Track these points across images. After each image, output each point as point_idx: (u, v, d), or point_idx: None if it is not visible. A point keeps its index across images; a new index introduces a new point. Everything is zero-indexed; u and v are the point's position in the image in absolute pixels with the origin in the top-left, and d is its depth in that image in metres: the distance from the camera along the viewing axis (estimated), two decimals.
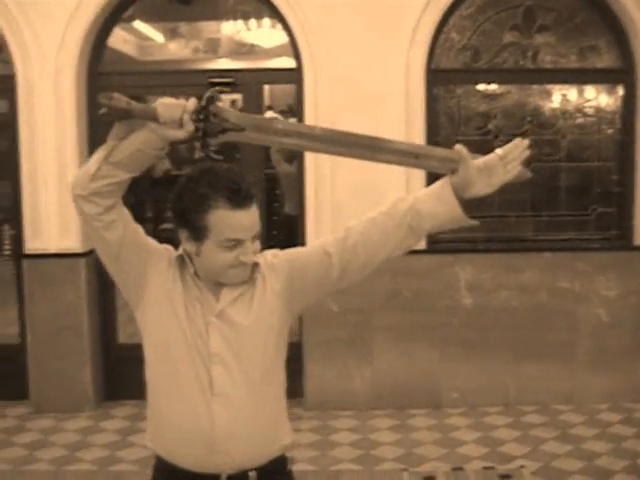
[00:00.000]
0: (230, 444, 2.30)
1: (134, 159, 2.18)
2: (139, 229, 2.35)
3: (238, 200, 2.20)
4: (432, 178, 5.84)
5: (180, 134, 2.13)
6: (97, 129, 6.03)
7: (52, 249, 5.88)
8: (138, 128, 2.15)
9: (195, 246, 2.25)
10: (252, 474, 2.35)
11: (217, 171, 2.25)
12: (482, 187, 2.28)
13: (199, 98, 2.16)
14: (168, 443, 2.37)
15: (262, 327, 2.34)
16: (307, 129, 2.37)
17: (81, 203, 2.20)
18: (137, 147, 2.15)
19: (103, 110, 2.10)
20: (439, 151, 2.35)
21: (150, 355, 2.38)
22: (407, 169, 5.70)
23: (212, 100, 2.18)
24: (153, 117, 2.12)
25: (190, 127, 2.13)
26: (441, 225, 2.36)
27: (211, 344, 2.29)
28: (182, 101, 2.14)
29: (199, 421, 2.29)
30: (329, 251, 2.36)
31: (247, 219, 2.23)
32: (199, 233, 2.22)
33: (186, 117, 2.12)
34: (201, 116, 2.16)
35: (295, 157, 6.05)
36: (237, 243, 2.22)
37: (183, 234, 2.27)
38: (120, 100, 2.10)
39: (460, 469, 4.99)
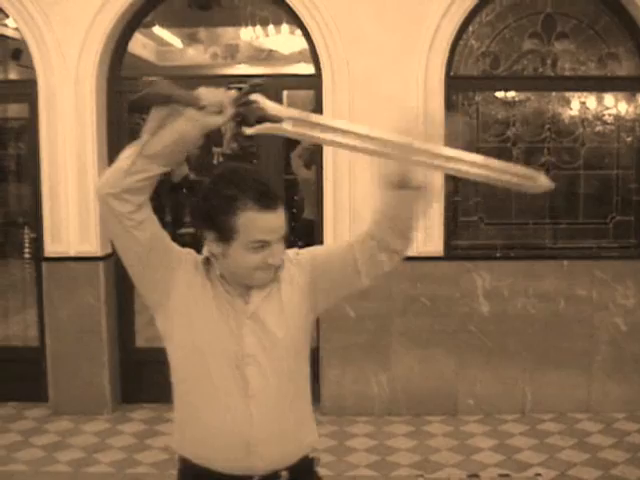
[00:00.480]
0: (265, 444, 2.31)
1: (170, 150, 2.13)
2: (165, 233, 2.35)
3: (267, 202, 2.20)
4: (449, 184, 5.83)
5: (219, 120, 2.10)
6: (117, 133, 6.08)
7: (72, 252, 5.93)
8: (173, 119, 2.11)
9: (222, 248, 2.25)
10: (284, 473, 2.36)
11: (244, 173, 2.26)
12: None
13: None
14: (202, 446, 2.34)
15: (292, 325, 2.36)
16: (353, 129, 2.26)
17: (111, 201, 2.15)
18: (173, 138, 2.10)
19: (143, 93, 2.08)
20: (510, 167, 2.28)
21: (179, 359, 2.36)
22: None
23: (255, 88, 2.16)
24: (193, 102, 2.09)
25: (230, 111, 2.10)
26: (408, 210, 2.32)
27: (245, 345, 2.30)
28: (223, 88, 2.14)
29: (237, 423, 2.29)
30: (352, 243, 2.39)
31: (275, 221, 2.23)
32: (226, 235, 2.22)
33: (228, 100, 2.10)
34: (243, 100, 2.14)
35: (314, 163, 6.05)
36: (264, 245, 2.22)
37: (209, 236, 2.26)
38: (161, 84, 2.09)
39: (476, 476, 4.99)
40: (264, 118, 2.17)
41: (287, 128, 2.19)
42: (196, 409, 2.34)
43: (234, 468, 2.31)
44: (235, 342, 2.30)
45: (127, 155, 2.14)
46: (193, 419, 2.36)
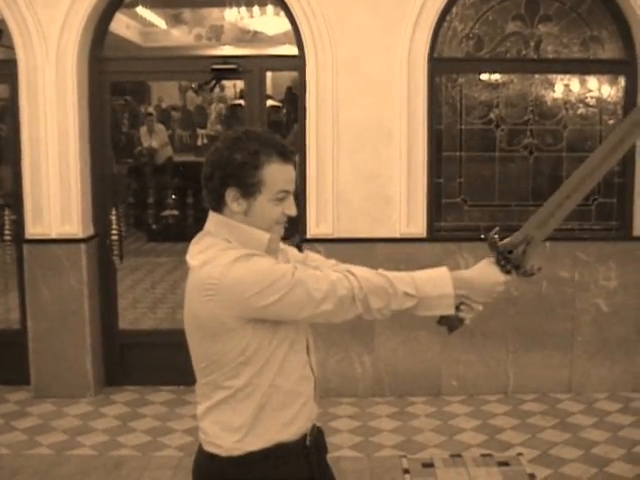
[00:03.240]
0: (316, 397, 2.55)
1: None
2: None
3: (287, 154, 2.33)
4: (431, 170, 5.81)
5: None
6: (100, 114, 6.04)
7: (53, 234, 5.88)
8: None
9: (245, 204, 2.31)
10: (319, 425, 2.60)
11: (259, 131, 2.38)
12: None
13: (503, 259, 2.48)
14: (283, 420, 2.39)
15: None
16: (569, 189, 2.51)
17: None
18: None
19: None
20: None
21: (265, 345, 2.31)
22: (409, 158, 5.72)
23: (505, 250, 2.48)
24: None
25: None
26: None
27: None
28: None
29: (310, 381, 2.49)
30: (306, 257, 2.61)
31: (293, 172, 2.36)
32: (252, 189, 2.29)
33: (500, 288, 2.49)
34: (507, 267, 2.48)
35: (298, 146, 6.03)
36: (285, 196, 2.33)
37: (232, 193, 2.30)
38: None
39: (458, 456, 5.02)
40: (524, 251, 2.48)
41: (538, 239, 2.50)
42: (284, 385, 2.37)
43: (303, 428, 2.45)
44: None
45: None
46: (278, 396, 2.37)
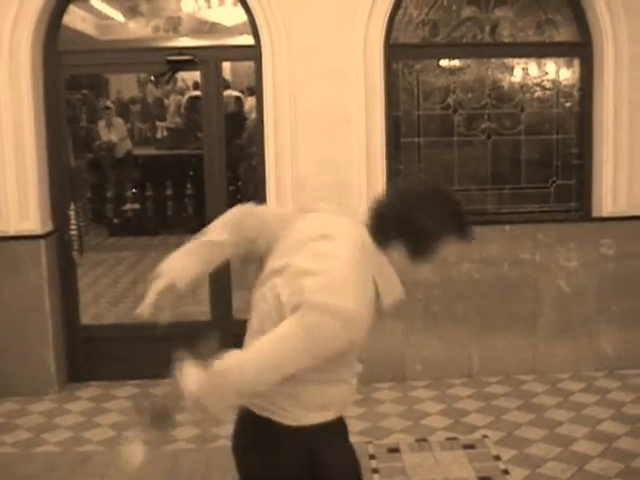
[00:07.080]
0: None
1: None
2: None
3: (466, 235, 2.27)
4: (390, 156, 5.79)
5: None
6: (55, 108, 5.98)
7: (12, 232, 5.80)
8: None
9: (406, 262, 2.27)
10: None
11: (451, 198, 2.30)
12: None
13: None
14: (345, 397, 2.48)
15: None
16: None
17: None
18: None
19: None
20: None
21: None
22: (368, 145, 5.71)
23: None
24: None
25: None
26: None
27: None
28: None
29: None
30: None
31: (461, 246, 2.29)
32: (420, 256, 2.25)
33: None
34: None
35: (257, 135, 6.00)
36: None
37: (399, 245, 2.25)
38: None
39: (424, 440, 5.04)
40: None
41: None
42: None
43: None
44: None
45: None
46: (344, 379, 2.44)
